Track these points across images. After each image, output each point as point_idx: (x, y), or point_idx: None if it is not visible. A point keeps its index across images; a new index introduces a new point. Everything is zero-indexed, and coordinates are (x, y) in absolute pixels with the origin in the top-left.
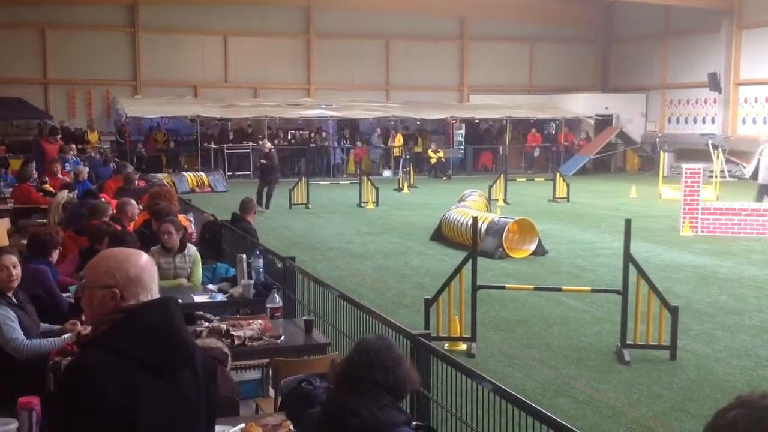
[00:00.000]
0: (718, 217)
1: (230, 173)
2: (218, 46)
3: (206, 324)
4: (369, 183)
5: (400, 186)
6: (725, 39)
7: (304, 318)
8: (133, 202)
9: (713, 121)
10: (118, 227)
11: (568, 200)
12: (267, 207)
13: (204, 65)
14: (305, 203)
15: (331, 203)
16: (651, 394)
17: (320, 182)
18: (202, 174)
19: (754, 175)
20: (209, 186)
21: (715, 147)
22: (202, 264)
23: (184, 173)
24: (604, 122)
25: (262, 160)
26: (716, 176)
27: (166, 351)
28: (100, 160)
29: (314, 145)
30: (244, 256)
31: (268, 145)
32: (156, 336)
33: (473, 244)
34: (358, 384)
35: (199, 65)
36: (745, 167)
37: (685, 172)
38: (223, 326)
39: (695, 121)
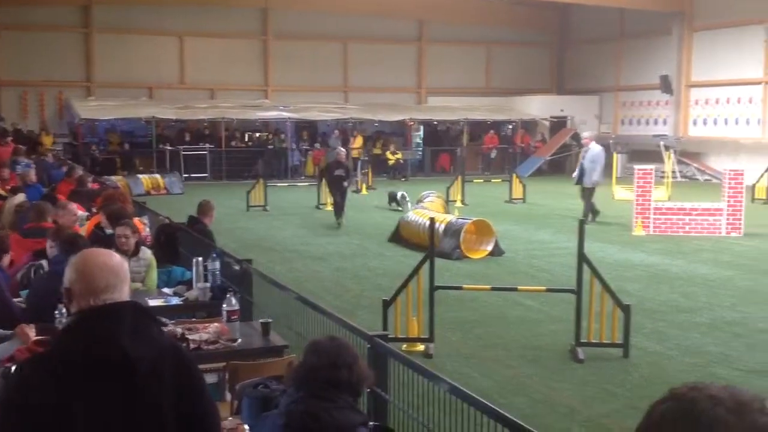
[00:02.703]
0: (669, 217)
1: (186, 175)
2: (174, 47)
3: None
4: (324, 180)
5: (359, 188)
6: (677, 42)
7: (261, 321)
8: (72, 207)
9: (665, 122)
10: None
11: (524, 201)
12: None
13: (159, 66)
14: (263, 205)
15: (290, 205)
16: (605, 391)
17: (278, 184)
18: (158, 176)
19: (579, 179)
20: (165, 188)
21: (667, 148)
22: (158, 267)
23: (139, 175)
24: (559, 124)
25: (339, 171)
26: (668, 177)
27: (106, 358)
28: (54, 162)
29: (272, 146)
30: (200, 258)
31: (344, 151)
32: (97, 342)
33: (430, 245)
34: (317, 386)
35: (155, 66)
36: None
37: (638, 173)
38: (179, 330)
39: (648, 122)
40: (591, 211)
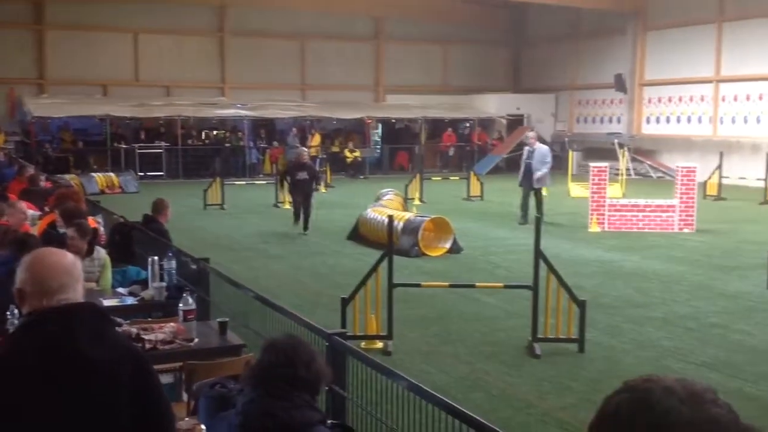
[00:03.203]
0: (624, 214)
1: (142, 174)
2: (129, 44)
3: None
4: (285, 183)
5: (317, 186)
6: (631, 41)
7: (218, 320)
8: (20, 206)
9: (619, 120)
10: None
11: (482, 198)
12: (306, 228)
13: (114, 64)
14: (220, 204)
15: (247, 204)
16: (561, 386)
17: (236, 182)
18: (112, 175)
19: (525, 180)
20: (120, 187)
21: (621, 146)
22: (112, 267)
23: (93, 174)
24: (515, 122)
25: (301, 173)
26: (622, 174)
27: (55, 360)
28: (5, 161)
29: (229, 144)
30: (156, 258)
31: (306, 151)
32: (54, 344)
33: (389, 243)
34: (274, 384)
35: (109, 64)
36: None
37: (593, 170)
38: (134, 330)
39: (602, 120)
40: (527, 211)
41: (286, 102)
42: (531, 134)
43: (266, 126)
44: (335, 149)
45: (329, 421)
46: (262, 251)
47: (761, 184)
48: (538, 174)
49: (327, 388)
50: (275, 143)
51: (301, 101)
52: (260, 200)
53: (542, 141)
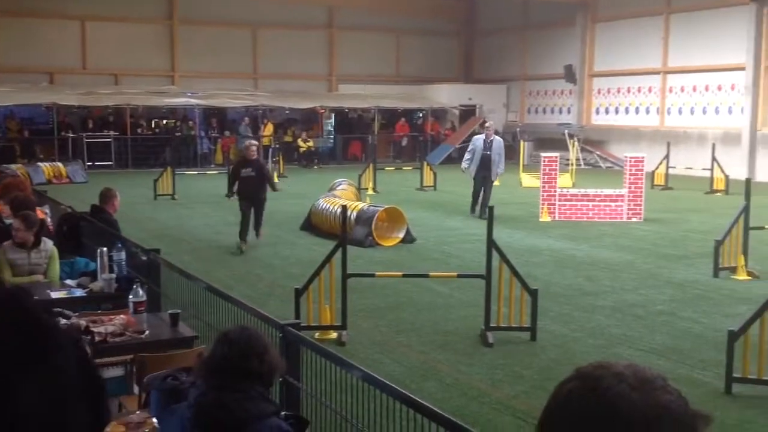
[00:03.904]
0: (574, 203)
1: (90, 163)
2: (75, 32)
3: (64, 321)
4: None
5: (270, 186)
6: (580, 32)
7: (169, 312)
8: None
9: (569, 111)
10: None
11: (435, 188)
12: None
13: (61, 51)
14: (171, 194)
15: (199, 194)
16: (513, 374)
17: (187, 172)
18: (59, 164)
19: (484, 171)
20: (67, 177)
21: (571, 136)
22: (60, 259)
23: (39, 164)
24: (468, 112)
25: (247, 169)
26: (572, 164)
27: None
28: None
29: (180, 134)
30: (105, 249)
31: (255, 144)
32: None
33: (342, 233)
34: (228, 376)
35: (56, 51)
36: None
37: (544, 161)
38: (83, 323)
39: (553, 111)
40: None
41: (238, 91)
42: (490, 124)
43: (218, 115)
44: (288, 139)
45: (283, 413)
46: (214, 242)
47: (707, 173)
48: (502, 167)
49: (281, 379)
50: (227, 133)
51: (253, 90)
52: (212, 190)
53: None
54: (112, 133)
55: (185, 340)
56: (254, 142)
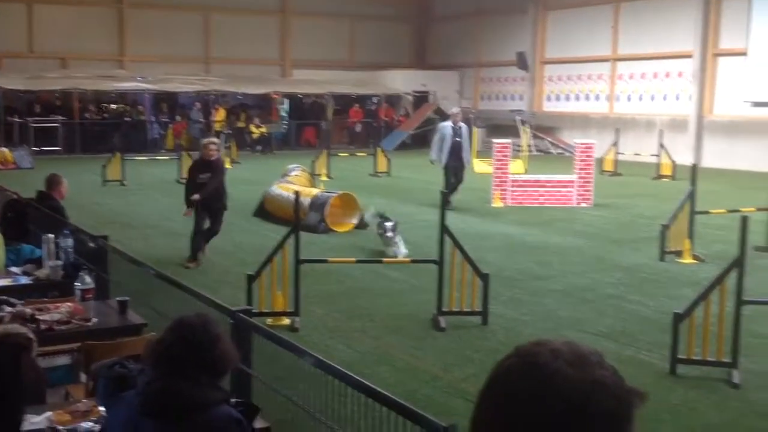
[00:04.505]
0: (525, 189)
1: (37, 149)
2: (22, 14)
3: (9, 309)
4: (189, 158)
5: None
6: (532, 19)
7: (117, 299)
8: None
9: (521, 98)
10: None
11: (389, 174)
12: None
13: (6, 34)
14: (120, 180)
15: (149, 180)
16: (464, 357)
17: (137, 158)
18: (5, 150)
19: (455, 159)
20: (13, 162)
21: (523, 123)
22: (5, 246)
23: None
24: (421, 99)
25: (206, 174)
26: (524, 150)
27: None
28: None
29: (130, 119)
30: (52, 236)
31: (215, 143)
32: None
33: (295, 219)
34: (176, 364)
35: (1, 34)
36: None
37: (496, 147)
38: (28, 311)
39: (505, 98)
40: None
41: (189, 76)
42: (456, 110)
43: (168, 100)
44: (240, 124)
45: (233, 400)
46: (164, 228)
47: (655, 159)
48: (469, 154)
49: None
50: (178, 118)
51: (204, 75)
52: (162, 176)
53: (446, 118)
54: (59, 118)
55: (134, 328)
56: (214, 140)
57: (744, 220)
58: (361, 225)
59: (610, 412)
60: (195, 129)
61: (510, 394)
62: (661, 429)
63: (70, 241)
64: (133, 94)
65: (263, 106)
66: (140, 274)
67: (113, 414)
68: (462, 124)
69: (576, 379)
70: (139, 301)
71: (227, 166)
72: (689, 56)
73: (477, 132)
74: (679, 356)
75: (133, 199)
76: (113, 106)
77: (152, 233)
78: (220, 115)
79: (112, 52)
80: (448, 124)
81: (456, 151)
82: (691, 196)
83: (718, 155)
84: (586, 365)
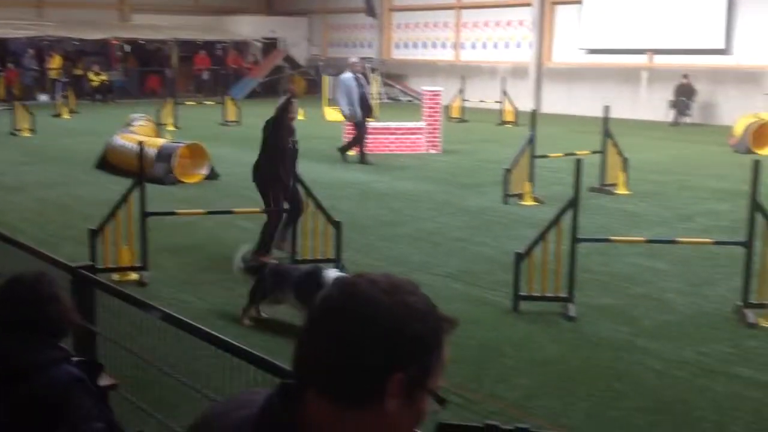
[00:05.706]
0: (377, 136)
1: None
2: None
3: None
4: (23, 109)
5: (59, 112)
6: None
7: None
8: None
9: (371, 45)
10: None
11: (239, 123)
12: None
13: None
14: None
15: None
16: None
17: None
18: None
19: (366, 111)
20: None
21: (373, 70)
22: None
23: None
24: (270, 46)
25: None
26: (374, 98)
27: None
28: None
29: None
30: None
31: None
32: None
33: (140, 170)
34: (9, 324)
35: None
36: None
37: None
38: None
39: (355, 45)
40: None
41: (20, 21)
42: (355, 60)
43: None
44: (78, 72)
45: (75, 358)
46: None
47: (498, 106)
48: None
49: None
50: (10, 65)
51: (37, 19)
52: None
53: (295, 66)
54: None
55: None
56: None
57: (578, 163)
58: (212, 175)
59: (420, 335)
60: (28, 77)
61: (331, 322)
62: (506, 362)
63: None
64: None
65: (102, 52)
66: None
67: None
68: (360, 74)
69: (390, 304)
70: None
71: (65, 116)
72: (529, 5)
73: (328, 80)
74: (521, 293)
75: None
76: None
77: None
78: (55, 62)
79: None
80: (349, 75)
81: (365, 103)
82: (531, 141)
83: (556, 101)
84: (399, 293)
